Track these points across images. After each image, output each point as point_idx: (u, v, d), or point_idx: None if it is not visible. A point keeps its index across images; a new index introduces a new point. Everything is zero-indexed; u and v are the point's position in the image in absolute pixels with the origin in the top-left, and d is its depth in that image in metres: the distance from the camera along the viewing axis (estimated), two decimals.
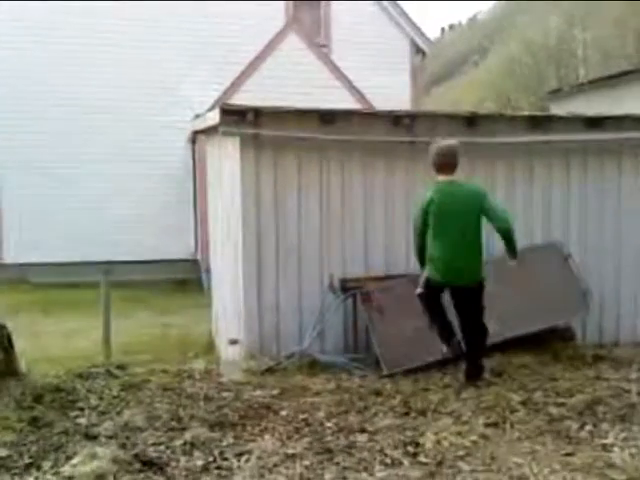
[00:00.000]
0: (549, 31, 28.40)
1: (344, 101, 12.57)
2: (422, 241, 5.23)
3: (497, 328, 5.86)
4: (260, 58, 13.56)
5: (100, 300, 6.29)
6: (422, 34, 16.27)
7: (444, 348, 5.38)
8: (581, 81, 19.48)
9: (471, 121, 6.44)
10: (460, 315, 5.26)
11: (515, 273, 6.12)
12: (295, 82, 12.58)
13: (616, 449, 4.07)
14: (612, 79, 14.74)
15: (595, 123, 6.71)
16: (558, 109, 15.69)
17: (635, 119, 6.84)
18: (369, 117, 6.41)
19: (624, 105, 10.84)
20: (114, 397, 4.86)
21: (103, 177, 14.25)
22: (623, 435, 4.26)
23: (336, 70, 13.84)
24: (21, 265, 13.75)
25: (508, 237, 5.09)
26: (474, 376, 5.21)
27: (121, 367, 5.52)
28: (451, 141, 5.22)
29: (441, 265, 5.13)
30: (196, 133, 11.90)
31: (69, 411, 4.58)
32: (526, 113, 8.57)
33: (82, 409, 4.63)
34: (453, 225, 5.08)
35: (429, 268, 5.22)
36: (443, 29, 63.33)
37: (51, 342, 8.39)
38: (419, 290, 5.30)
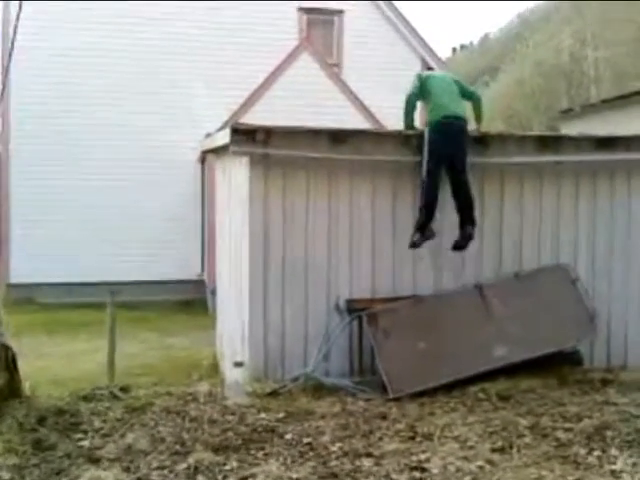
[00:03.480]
0: (560, 50, 28.44)
1: (355, 121, 12.61)
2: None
3: (504, 352, 5.82)
4: (272, 78, 13.65)
5: (105, 321, 6.30)
6: (433, 54, 16.32)
7: (416, 236, 5.97)
8: (592, 101, 19.43)
9: (481, 141, 6.43)
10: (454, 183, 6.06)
11: (522, 295, 6.10)
12: (306, 102, 12.66)
13: (625, 475, 4.00)
14: (624, 99, 14.70)
15: (605, 143, 6.67)
16: (569, 129, 15.65)
17: None
18: (379, 137, 6.41)
19: (636, 125, 10.77)
20: (117, 420, 4.84)
21: (111, 197, 14.31)
22: (632, 461, 4.18)
23: (347, 90, 13.92)
24: (27, 285, 13.77)
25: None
26: (463, 245, 6.04)
27: (125, 389, 5.49)
28: None
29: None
30: (206, 153, 11.96)
31: (72, 433, 4.57)
32: (536, 133, 8.54)
33: (85, 432, 4.62)
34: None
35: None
36: (454, 49, 63.54)
37: (55, 363, 8.39)
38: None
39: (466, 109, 6.38)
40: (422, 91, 6.36)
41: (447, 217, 6.20)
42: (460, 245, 6.10)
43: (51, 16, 13.99)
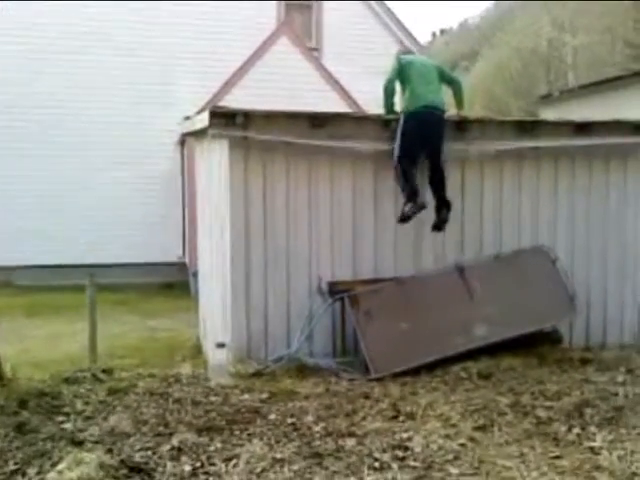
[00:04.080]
0: (539, 37, 28.53)
1: (334, 105, 12.55)
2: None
3: (485, 331, 5.89)
4: (251, 61, 13.55)
5: (86, 303, 6.25)
6: (413, 38, 16.28)
7: (407, 207, 5.98)
8: (571, 86, 19.57)
9: (460, 126, 6.45)
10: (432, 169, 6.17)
11: (503, 276, 6.17)
12: (285, 85, 12.57)
13: (604, 452, 4.08)
14: (601, 84, 14.83)
15: (583, 128, 6.73)
16: (548, 114, 15.76)
17: (622, 124, 6.86)
18: (358, 121, 6.40)
19: (613, 110, 10.88)
20: (100, 402, 4.83)
21: (90, 179, 14.18)
22: (611, 438, 4.27)
23: (327, 74, 13.85)
24: (5, 268, 13.61)
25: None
26: (440, 228, 6.18)
27: (107, 371, 5.48)
28: None
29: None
30: (185, 135, 11.86)
31: (55, 416, 4.54)
32: (515, 118, 8.59)
33: (68, 414, 4.60)
34: None
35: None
36: (434, 34, 63.41)
37: (36, 346, 8.32)
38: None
39: (445, 96, 6.35)
40: (401, 76, 6.30)
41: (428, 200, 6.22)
42: (437, 227, 6.21)
43: None
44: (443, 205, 6.17)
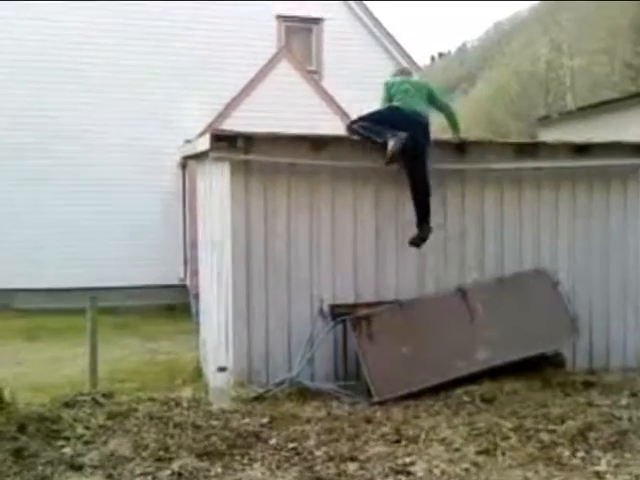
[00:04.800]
0: (537, 59, 28.77)
1: (335, 127, 12.61)
2: None
3: (487, 355, 5.85)
4: (251, 85, 13.67)
5: (87, 327, 6.23)
6: (412, 62, 16.42)
7: (391, 142, 5.82)
8: (569, 109, 19.68)
9: (461, 148, 6.47)
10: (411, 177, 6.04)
11: (505, 300, 6.14)
12: (286, 109, 12.66)
13: (609, 476, 4.05)
14: (600, 107, 14.91)
15: (583, 150, 6.76)
16: (547, 136, 15.82)
17: (622, 146, 6.89)
18: (359, 143, 6.41)
19: (612, 132, 10.93)
20: (100, 426, 4.79)
21: (91, 202, 14.20)
22: (615, 462, 4.23)
23: (327, 97, 13.95)
24: (5, 291, 13.58)
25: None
26: (417, 244, 6.04)
27: (107, 395, 5.44)
28: None
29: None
30: (186, 158, 11.92)
31: (54, 441, 4.51)
32: (515, 140, 8.63)
33: (67, 438, 4.56)
34: None
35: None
36: (433, 57, 63.95)
37: (36, 370, 8.27)
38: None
39: (429, 112, 6.31)
40: (389, 96, 6.34)
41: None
42: (414, 243, 6.06)
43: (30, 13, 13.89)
44: (423, 220, 6.01)
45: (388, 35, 16.24)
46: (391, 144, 5.84)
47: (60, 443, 4.48)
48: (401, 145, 5.82)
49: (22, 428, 4.59)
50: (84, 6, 14.03)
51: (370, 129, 6.03)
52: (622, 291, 6.87)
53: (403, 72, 7.04)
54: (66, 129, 14.09)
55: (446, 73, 47.37)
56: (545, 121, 17.91)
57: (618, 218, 6.92)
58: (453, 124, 6.51)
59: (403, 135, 5.82)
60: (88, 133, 14.18)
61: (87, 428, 4.73)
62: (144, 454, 4.31)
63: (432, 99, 6.34)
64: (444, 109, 6.51)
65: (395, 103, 6.21)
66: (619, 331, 6.82)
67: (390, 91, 6.33)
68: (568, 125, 15.38)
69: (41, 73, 13.99)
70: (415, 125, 6.00)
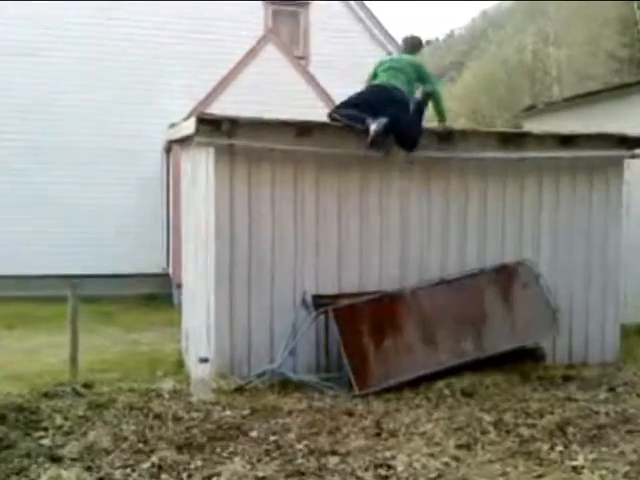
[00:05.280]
0: (524, 48, 28.75)
1: (321, 114, 12.54)
2: None
3: (468, 347, 5.89)
4: (237, 69, 13.53)
5: (67, 315, 6.15)
6: (399, 47, 16.33)
7: (372, 127, 5.79)
8: (555, 99, 19.70)
9: (445, 136, 6.46)
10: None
11: (486, 291, 6.17)
12: (272, 93, 12.54)
13: (586, 471, 4.08)
14: (585, 98, 14.93)
15: (567, 141, 6.76)
16: (532, 126, 15.83)
17: (606, 137, 6.90)
18: (344, 130, 6.38)
19: (596, 123, 10.94)
20: (80, 417, 4.75)
21: (71, 187, 14.00)
22: (593, 456, 4.27)
23: (313, 82, 13.85)
24: None
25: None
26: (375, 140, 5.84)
27: (87, 386, 5.40)
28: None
29: None
30: (171, 143, 11.77)
31: (33, 432, 4.47)
32: (499, 130, 8.63)
33: (46, 429, 4.52)
34: None
35: None
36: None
37: (15, 359, 8.17)
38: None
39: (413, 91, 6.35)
40: (373, 75, 6.48)
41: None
42: (372, 142, 5.90)
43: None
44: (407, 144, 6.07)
45: (375, 20, 16.15)
46: (372, 129, 5.83)
47: (39, 434, 4.44)
48: (382, 130, 5.82)
49: (0, 418, 4.55)
50: None
51: (351, 116, 6.03)
52: (602, 285, 6.92)
53: (406, 41, 6.94)
54: (47, 111, 13.85)
55: (433, 60, 47.25)
56: (530, 112, 17.92)
57: (600, 210, 6.94)
58: (438, 110, 6.51)
59: (383, 120, 5.82)
60: (68, 115, 13.93)
61: (66, 419, 4.69)
62: (124, 446, 4.28)
63: (419, 73, 6.36)
64: (429, 85, 6.42)
65: (375, 81, 6.33)
66: (598, 325, 6.87)
67: (376, 70, 6.43)
68: (553, 116, 15.39)
69: (25, 61, 13.78)
70: (394, 101, 6.05)
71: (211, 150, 6.00)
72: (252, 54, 13.61)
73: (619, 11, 23.74)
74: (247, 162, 5.98)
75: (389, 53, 14.53)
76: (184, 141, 7.68)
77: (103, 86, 14.10)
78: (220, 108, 10.69)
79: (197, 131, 5.89)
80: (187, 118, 8.74)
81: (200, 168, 6.77)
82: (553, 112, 15.44)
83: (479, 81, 31.90)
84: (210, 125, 5.87)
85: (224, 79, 13.44)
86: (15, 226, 13.74)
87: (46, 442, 4.32)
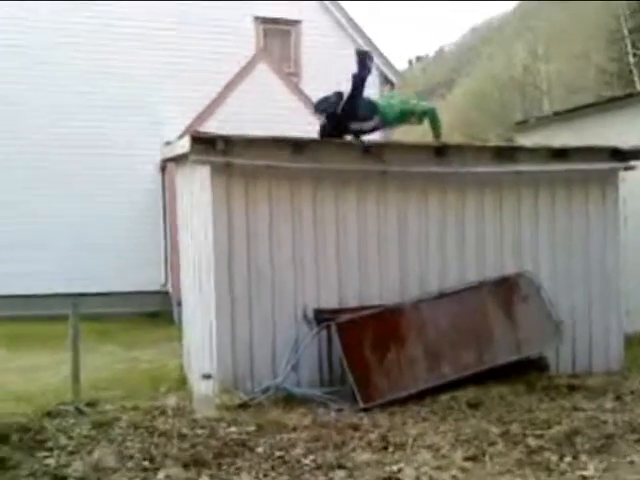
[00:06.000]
0: (514, 64, 29.06)
1: (314, 130, 12.60)
2: None
3: (472, 359, 5.88)
4: (230, 87, 13.60)
5: (68, 334, 6.12)
6: (390, 65, 16.49)
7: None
8: (546, 113, 19.89)
9: (440, 151, 6.49)
10: None
11: (487, 304, 6.17)
12: (265, 110, 12.61)
13: None
14: (575, 111, 15.06)
15: (560, 154, 6.81)
16: (524, 140, 15.95)
17: (598, 150, 6.96)
18: (339, 146, 6.40)
19: (587, 137, 11.04)
20: (84, 436, 4.70)
21: (70, 207, 13.96)
22: (602, 466, 4.26)
23: (306, 99, 13.92)
24: None
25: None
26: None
27: (91, 404, 5.36)
28: None
29: None
30: (166, 161, 11.77)
31: (37, 451, 4.42)
32: (494, 144, 8.69)
33: (51, 449, 4.47)
34: None
35: None
36: (410, 61, 64.20)
37: (18, 378, 8.09)
38: None
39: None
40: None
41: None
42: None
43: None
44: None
45: (365, 37, 16.24)
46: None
47: (43, 454, 4.39)
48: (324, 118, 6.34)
49: (4, 439, 4.50)
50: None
51: (329, 103, 6.40)
52: (603, 294, 6.93)
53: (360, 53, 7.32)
54: (45, 131, 13.84)
55: (423, 77, 47.66)
56: (522, 126, 18.05)
57: (597, 221, 6.98)
58: (434, 127, 6.61)
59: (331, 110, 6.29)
60: (65, 135, 13.92)
61: (71, 438, 4.64)
62: (129, 464, 4.24)
63: (414, 112, 6.61)
64: (425, 112, 6.64)
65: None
66: (601, 334, 6.88)
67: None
68: (545, 130, 15.51)
69: (20, 73, 13.78)
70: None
71: (207, 168, 6.00)
72: (244, 73, 13.70)
73: (607, 25, 24.04)
74: (243, 179, 5.99)
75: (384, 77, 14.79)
76: (179, 159, 7.69)
77: (99, 105, 14.09)
78: (213, 126, 10.71)
79: (192, 150, 5.90)
80: (181, 136, 8.75)
81: (196, 186, 6.77)
82: (545, 126, 15.55)
83: (470, 97, 32.18)
84: (205, 143, 5.88)
85: (217, 97, 13.51)
86: (13, 246, 13.59)
87: (51, 462, 4.27)
